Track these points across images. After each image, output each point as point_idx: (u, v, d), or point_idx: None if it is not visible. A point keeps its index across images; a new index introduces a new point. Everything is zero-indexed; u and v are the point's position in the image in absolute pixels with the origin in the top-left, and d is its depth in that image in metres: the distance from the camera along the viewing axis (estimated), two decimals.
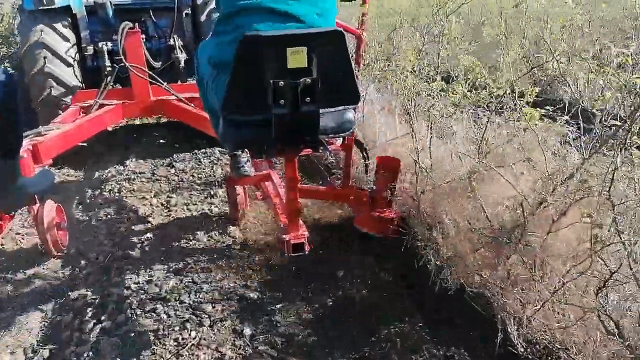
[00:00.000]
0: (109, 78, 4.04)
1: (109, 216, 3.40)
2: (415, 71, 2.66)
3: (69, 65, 4.19)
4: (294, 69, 1.72)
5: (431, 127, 2.58)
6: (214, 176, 3.96)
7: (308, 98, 1.77)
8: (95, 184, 3.96)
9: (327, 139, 1.99)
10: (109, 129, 4.49)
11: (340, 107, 1.92)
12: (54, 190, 3.76)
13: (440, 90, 2.55)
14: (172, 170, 4.08)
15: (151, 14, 4.52)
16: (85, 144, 3.83)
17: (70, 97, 4.14)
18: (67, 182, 4.20)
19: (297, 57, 1.71)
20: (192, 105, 3.91)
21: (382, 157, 2.79)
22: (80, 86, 4.28)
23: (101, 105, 3.89)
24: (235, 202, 3.20)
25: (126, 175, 4.00)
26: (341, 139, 2.54)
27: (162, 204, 3.52)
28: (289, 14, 1.75)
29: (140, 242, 3.06)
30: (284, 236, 2.29)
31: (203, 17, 4.60)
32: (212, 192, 3.64)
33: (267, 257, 2.80)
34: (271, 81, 1.70)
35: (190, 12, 4.67)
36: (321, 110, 1.83)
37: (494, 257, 2.09)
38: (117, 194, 3.69)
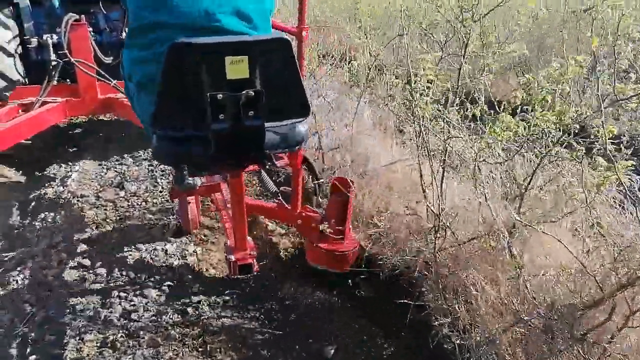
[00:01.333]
0: (52, 73, 3.74)
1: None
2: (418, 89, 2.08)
3: (9, 55, 3.86)
4: (235, 80, 1.55)
5: (444, 162, 2.09)
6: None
7: (252, 112, 1.61)
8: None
9: (275, 154, 1.83)
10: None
11: (289, 121, 1.76)
12: None
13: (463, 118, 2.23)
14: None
15: (101, 5, 4.21)
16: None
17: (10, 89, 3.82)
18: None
19: (237, 67, 1.54)
20: None
21: (337, 178, 2.56)
22: (23, 81, 3.96)
23: (43, 103, 3.59)
24: (187, 214, 3.00)
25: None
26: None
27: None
28: (218, 30, 1.57)
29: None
30: (230, 256, 2.12)
31: None
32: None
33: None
34: (208, 94, 1.52)
35: None
36: (268, 124, 1.66)
37: (542, 353, 1.60)
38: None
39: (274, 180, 3.38)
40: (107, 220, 3.17)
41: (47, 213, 3.24)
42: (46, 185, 3.67)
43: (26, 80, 4.00)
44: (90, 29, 3.89)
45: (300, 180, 2.57)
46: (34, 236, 3.02)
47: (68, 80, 4.11)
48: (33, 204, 3.44)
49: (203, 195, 2.92)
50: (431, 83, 2.06)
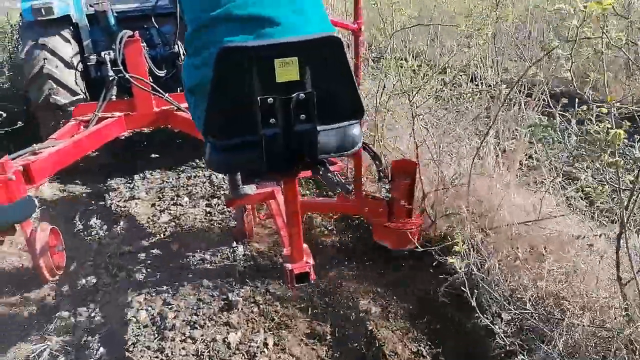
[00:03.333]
0: (110, 89, 3.86)
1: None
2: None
3: (70, 68, 4.04)
4: (285, 83, 1.48)
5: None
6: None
7: (303, 115, 1.54)
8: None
9: (328, 159, 1.75)
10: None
11: (342, 123, 1.67)
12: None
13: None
14: None
15: (153, 20, 4.32)
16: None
17: (72, 103, 4.00)
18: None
19: (287, 70, 1.47)
20: None
21: (398, 161, 2.59)
22: (84, 97, 4.13)
23: (102, 119, 3.71)
24: (242, 220, 2.99)
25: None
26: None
27: None
28: (260, 18, 1.50)
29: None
30: (286, 265, 2.05)
31: None
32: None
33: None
34: (258, 98, 1.47)
35: None
36: (320, 128, 1.59)
37: None
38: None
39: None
40: None
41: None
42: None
43: (87, 95, 4.17)
44: (144, 44, 4.00)
45: (361, 170, 2.61)
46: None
47: (127, 95, 4.25)
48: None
49: (258, 203, 2.90)
50: None
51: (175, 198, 3.83)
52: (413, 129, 2.73)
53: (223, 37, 1.44)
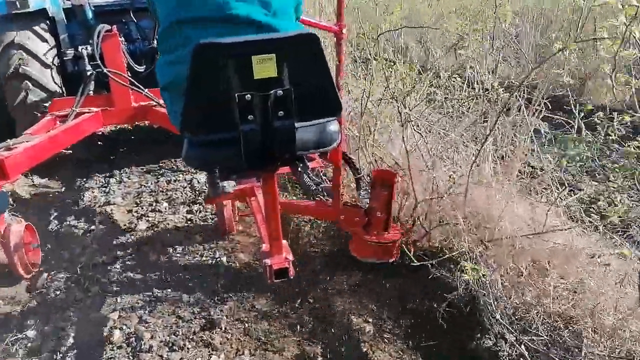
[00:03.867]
0: (87, 84, 3.80)
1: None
2: None
3: (46, 67, 3.96)
4: (262, 80, 1.49)
5: None
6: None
7: (281, 112, 1.55)
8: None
9: (307, 155, 1.77)
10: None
11: (320, 120, 1.69)
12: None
13: None
14: None
15: (132, 15, 4.27)
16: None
17: (49, 100, 3.93)
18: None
19: (264, 67, 1.48)
20: None
21: (378, 171, 2.55)
22: (60, 92, 4.06)
23: (79, 114, 3.65)
24: (222, 217, 2.99)
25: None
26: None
27: None
28: (236, 18, 1.52)
29: None
30: (265, 261, 2.07)
31: None
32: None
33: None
34: (236, 95, 1.47)
35: None
36: (298, 124, 1.60)
37: None
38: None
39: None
40: None
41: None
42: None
43: (64, 91, 4.09)
44: (122, 38, 3.94)
45: (341, 177, 2.56)
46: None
47: (105, 90, 4.19)
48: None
49: (237, 199, 2.89)
50: None
51: (154, 204, 3.62)
52: (403, 136, 2.63)
53: (198, 35, 1.44)
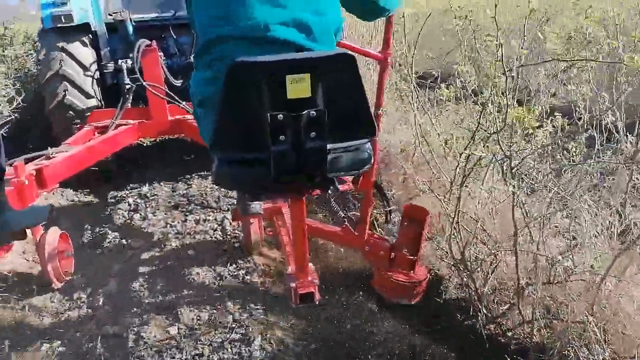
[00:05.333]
0: (126, 97, 3.89)
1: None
2: None
3: (86, 71, 4.07)
4: (296, 100, 1.46)
5: None
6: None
7: (314, 133, 1.51)
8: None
9: (338, 178, 1.72)
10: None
11: (353, 142, 1.64)
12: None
13: None
14: None
15: (171, 30, 4.37)
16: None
17: (87, 105, 4.05)
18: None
19: (298, 86, 1.45)
20: None
21: (410, 206, 2.46)
22: (98, 102, 4.16)
23: (117, 125, 3.74)
24: (249, 234, 2.97)
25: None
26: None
27: None
28: (277, 40, 1.50)
29: None
30: (291, 284, 2.02)
31: None
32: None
33: None
34: (268, 114, 1.45)
35: None
36: (330, 146, 1.56)
37: None
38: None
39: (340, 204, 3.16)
40: None
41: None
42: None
43: (102, 103, 4.20)
44: (161, 53, 4.03)
45: (370, 206, 2.46)
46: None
47: (142, 103, 4.28)
48: None
49: (265, 218, 2.87)
50: None
51: (180, 251, 3.14)
52: (513, 212, 1.98)
53: (236, 53, 1.43)
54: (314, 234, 2.64)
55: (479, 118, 2.06)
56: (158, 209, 3.81)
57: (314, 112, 1.47)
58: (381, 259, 2.46)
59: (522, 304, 2.05)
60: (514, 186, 1.88)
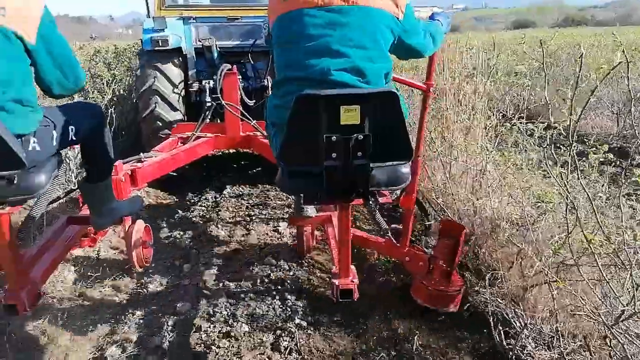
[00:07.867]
0: (207, 113, 4.46)
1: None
2: None
3: (175, 88, 4.72)
4: (347, 125, 1.82)
5: None
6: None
7: (360, 152, 1.86)
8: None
9: (379, 191, 2.06)
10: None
11: (392, 162, 1.98)
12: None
13: None
14: None
15: (249, 57, 4.93)
16: None
17: (173, 117, 4.70)
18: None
19: (350, 115, 1.81)
20: None
21: (446, 221, 2.71)
22: (182, 116, 4.78)
23: (197, 137, 4.29)
24: (302, 239, 3.34)
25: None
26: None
27: None
28: (333, 82, 1.88)
29: None
30: (334, 281, 2.35)
31: None
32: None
33: None
34: (324, 136, 1.82)
35: None
36: (373, 164, 1.90)
37: None
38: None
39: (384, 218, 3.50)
40: None
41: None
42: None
43: (186, 117, 4.81)
44: (239, 76, 4.57)
45: (411, 220, 2.75)
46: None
47: (217, 119, 4.85)
48: None
49: (317, 225, 3.23)
50: None
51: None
52: None
53: (302, 90, 1.82)
54: (360, 243, 2.97)
55: None
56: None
57: (361, 136, 1.82)
58: (420, 269, 2.72)
59: None
60: None
